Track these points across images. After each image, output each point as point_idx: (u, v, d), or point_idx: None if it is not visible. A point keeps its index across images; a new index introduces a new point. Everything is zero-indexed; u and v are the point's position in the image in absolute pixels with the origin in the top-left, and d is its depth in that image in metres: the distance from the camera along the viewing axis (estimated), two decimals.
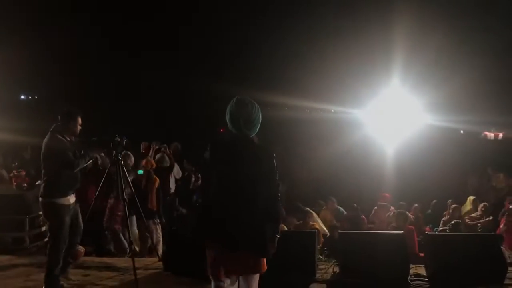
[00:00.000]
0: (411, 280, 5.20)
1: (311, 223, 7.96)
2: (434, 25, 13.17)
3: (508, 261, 7.14)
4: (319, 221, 8.54)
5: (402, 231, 5.67)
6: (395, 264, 5.14)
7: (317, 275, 5.42)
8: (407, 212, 8.59)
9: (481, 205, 8.92)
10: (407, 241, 5.47)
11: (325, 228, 8.24)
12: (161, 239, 7.19)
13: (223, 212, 3.20)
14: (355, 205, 8.77)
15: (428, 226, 8.88)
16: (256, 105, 3.32)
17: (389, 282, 5.04)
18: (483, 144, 14.75)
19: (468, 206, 9.35)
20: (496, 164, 11.04)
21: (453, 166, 9.89)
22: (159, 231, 7.25)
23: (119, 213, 7.05)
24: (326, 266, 5.69)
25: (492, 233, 7.56)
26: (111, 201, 7.12)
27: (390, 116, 10.65)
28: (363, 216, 8.67)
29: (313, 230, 6.08)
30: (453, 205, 8.75)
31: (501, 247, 6.03)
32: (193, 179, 9.44)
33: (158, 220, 7.28)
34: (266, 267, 3.34)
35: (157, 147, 8.55)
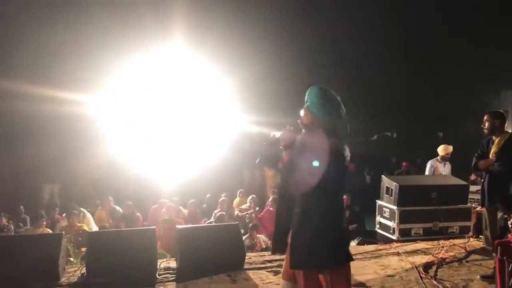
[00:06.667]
0: (160, 274, 5.33)
1: (78, 224, 7.63)
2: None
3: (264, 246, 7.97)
4: (91, 221, 8.23)
5: (154, 227, 5.77)
6: (142, 259, 5.20)
7: (63, 279, 5.16)
8: (180, 207, 8.90)
9: (250, 197, 9.75)
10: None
11: (95, 229, 7.97)
12: None
13: None
14: (129, 202, 8.70)
15: (203, 220, 9.33)
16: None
17: (136, 278, 5.06)
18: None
19: (238, 199, 10.13)
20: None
21: (229, 163, 10.48)
22: None
23: None
24: (76, 269, 5.46)
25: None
26: None
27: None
28: (139, 214, 8.66)
29: (60, 233, 5.78)
30: (221, 199, 9.38)
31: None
32: None
33: None
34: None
35: None
